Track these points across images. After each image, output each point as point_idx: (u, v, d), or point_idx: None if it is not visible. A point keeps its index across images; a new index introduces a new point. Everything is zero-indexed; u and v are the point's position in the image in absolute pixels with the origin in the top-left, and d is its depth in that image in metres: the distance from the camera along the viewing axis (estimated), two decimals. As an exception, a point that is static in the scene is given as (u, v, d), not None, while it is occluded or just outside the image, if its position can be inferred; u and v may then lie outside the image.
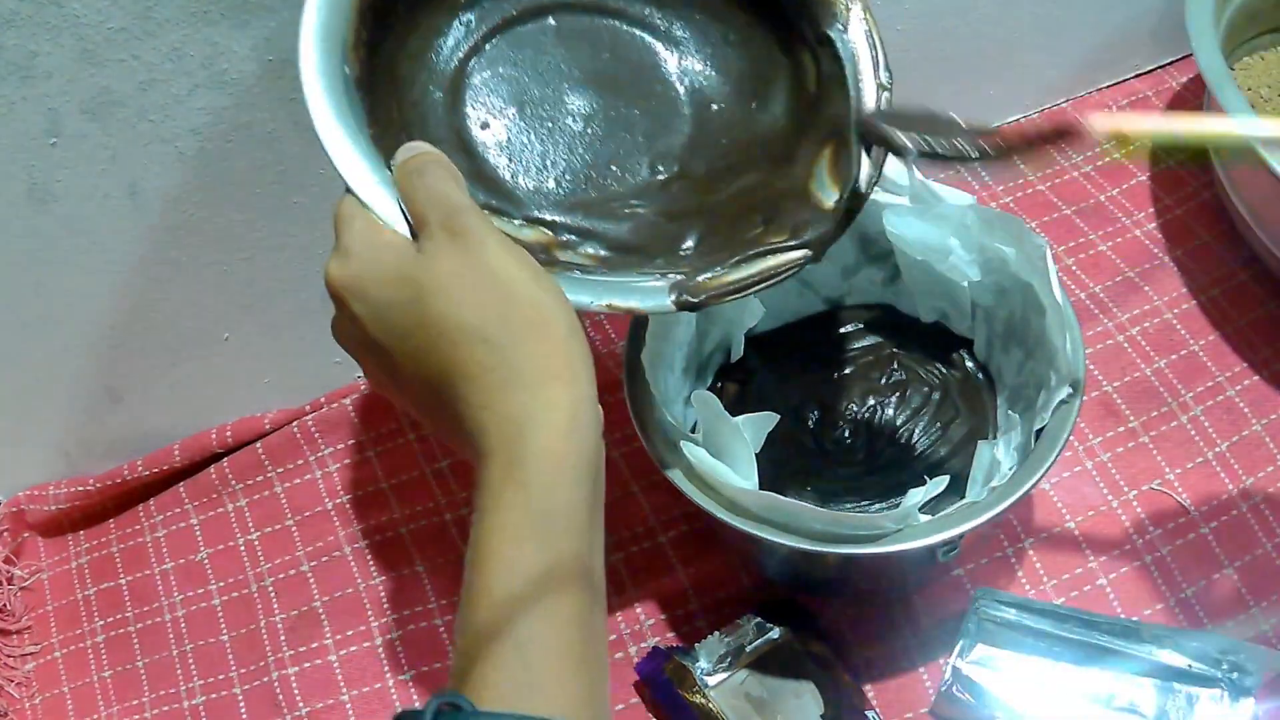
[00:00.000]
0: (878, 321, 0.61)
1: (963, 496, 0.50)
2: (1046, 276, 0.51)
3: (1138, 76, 0.80)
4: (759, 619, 0.56)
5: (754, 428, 0.51)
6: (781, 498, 0.48)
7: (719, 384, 0.60)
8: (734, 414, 0.51)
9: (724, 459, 0.50)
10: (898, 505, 0.48)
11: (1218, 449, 0.63)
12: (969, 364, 0.59)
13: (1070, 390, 0.50)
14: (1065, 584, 0.59)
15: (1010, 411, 0.55)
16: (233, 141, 0.56)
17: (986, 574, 0.60)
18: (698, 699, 0.54)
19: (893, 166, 0.55)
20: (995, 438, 0.55)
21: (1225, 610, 0.58)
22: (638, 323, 0.55)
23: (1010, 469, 0.50)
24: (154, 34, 0.50)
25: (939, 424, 0.57)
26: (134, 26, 0.50)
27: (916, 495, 0.48)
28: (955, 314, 0.59)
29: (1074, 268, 0.70)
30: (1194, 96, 0.78)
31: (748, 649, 0.56)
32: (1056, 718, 0.52)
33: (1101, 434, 0.64)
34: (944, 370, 0.59)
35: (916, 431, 0.57)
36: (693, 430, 0.54)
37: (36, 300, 0.59)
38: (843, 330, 0.61)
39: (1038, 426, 0.51)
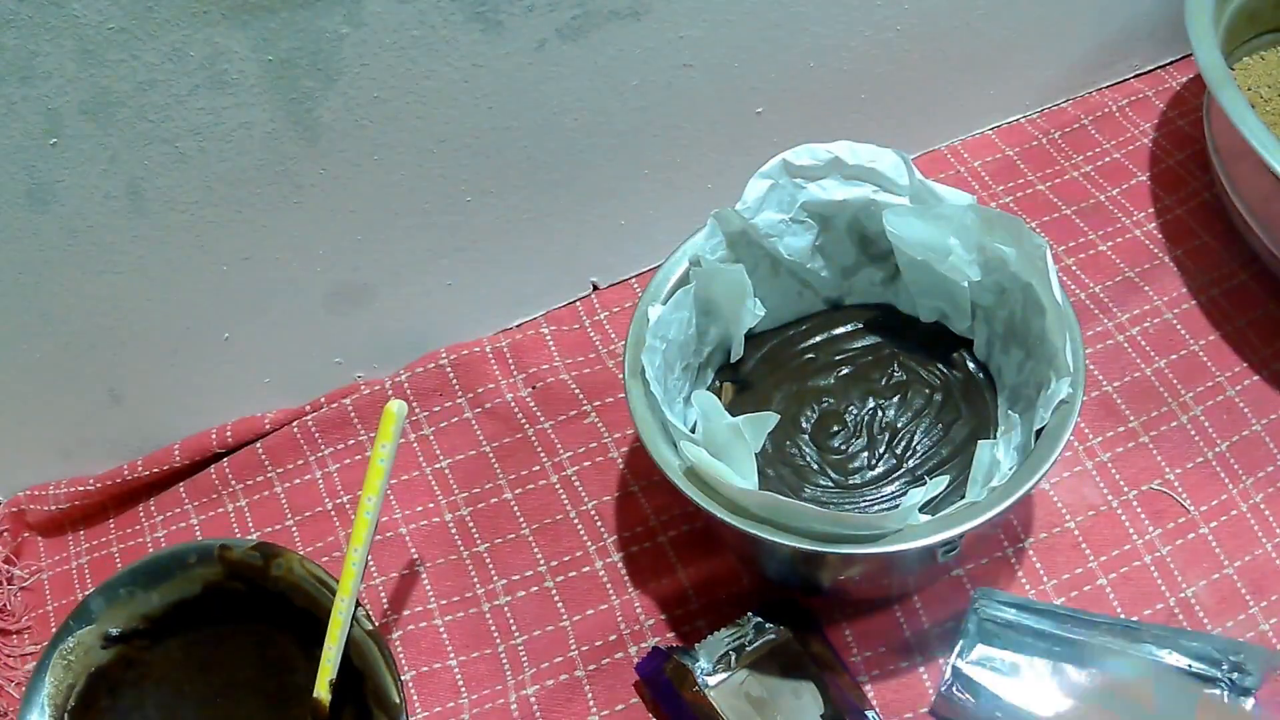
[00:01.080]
0: (877, 321, 0.61)
1: (963, 496, 0.50)
2: (1046, 276, 0.51)
3: (1138, 76, 0.80)
4: (759, 619, 0.56)
5: (754, 428, 0.51)
6: (782, 498, 0.48)
7: (718, 384, 0.60)
8: (733, 414, 0.51)
9: (724, 459, 0.50)
10: (898, 505, 0.48)
11: (1218, 449, 0.63)
12: (970, 364, 0.59)
13: (1070, 390, 0.50)
14: (1065, 584, 0.59)
15: (1010, 411, 0.54)
16: (233, 141, 0.56)
17: (986, 574, 0.60)
18: (698, 699, 0.54)
19: (890, 163, 0.55)
20: (995, 438, 0.55)
21: (1225, 610, 0.58)
22: (639, 322, 0.55)
23: (1010, 469, 0.50)
24: (154, 34, 0.50)
25: (940, 425, 0.57)
26: (134, 26, 0.50)
27: (916, 495, 0.48)
28: (955, 314, 0.59)
29: (1074, 268, 0.70)
30: (1194, 96, 0.78)
31: (748, 649, 0.56)
32: (1056, 718, 0.52)
33: (1101, 434, 0.64)
34: (945, 370, 0.59)
35: (918, 433, 0.57)
36: (692, 430, 0.54)
37: (36, 300, 0.59)
38: (842, 330, 0.61)
39: (1038, 426, 0.51)
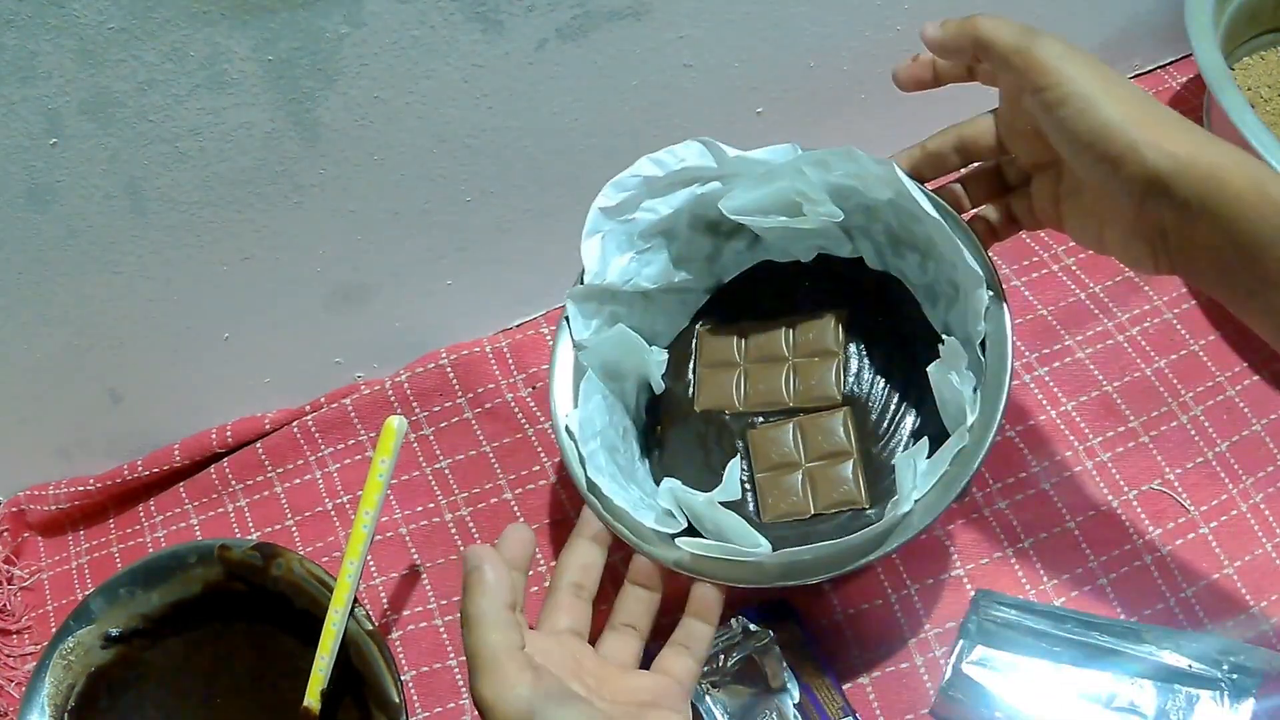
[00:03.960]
0: (760, 282, 0.60)
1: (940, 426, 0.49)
2: (906, 192, 0.50)
3: (1138, 76, 0.80)
4: (748, 621, 0.56)
5: (727, 486, 0.50)
6: (797, 549, 0.47)
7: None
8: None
9: (720, 531, 0.50)
10: (894, 497, 0.48)
11: (1218, 449, 0.63)
12: (870, 276, 0.58)
13: (991, 294, 0.49)
14: (1065, 584, 0.59)
15: (947, 336, 0.52)
16: (233, 141, 0.56)
17: (986, 574, 0.60)
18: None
19: (697, 152, 0.54)
20: (942, 362, 0.52)
21: (1225, 610, 0.58)
22: (567, 442, 0.53)
23: (974, 389, 0.49)
24: (154, 34, 0.50)
25: (877, 362, 0.57)
26: (134, 26, 0.50)
27: (908, 478, 0.47)
28: (833, 243, 0.57)
29: (1074, 268, 0.70)
30: (1194, 96, 0.78)
31: (736, 651, 0.55)
32: (1056, 718, 0.52)
33: (1101, 434, 0.64)
34: (851, 290, 0.58)
35: (862, 385, 0.56)
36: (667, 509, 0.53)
37: (36, 300, 0.59)
38: (732, 323, 0.60)
39: (977, 340, 0.50)
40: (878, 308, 0.58)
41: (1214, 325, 0.67)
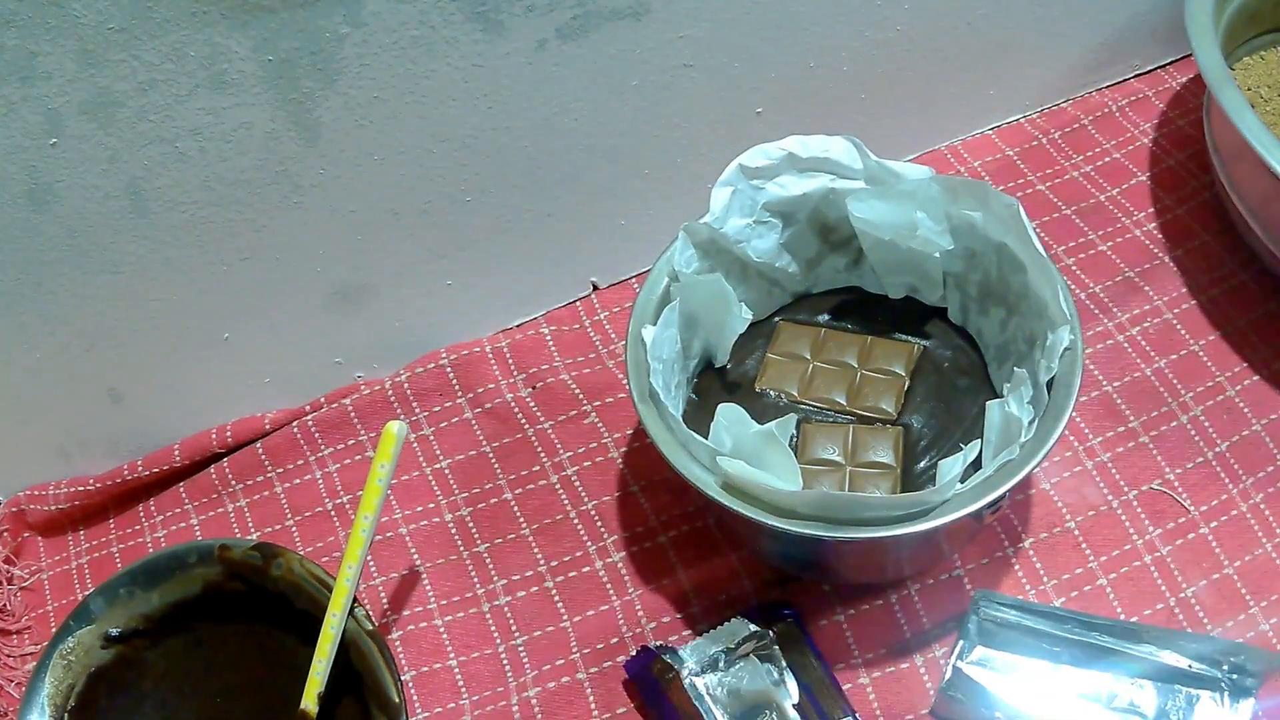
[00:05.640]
0: (845, 306, 0.61)
1: (979, 464, 0.50)
2: (1022, 234, 0.52)
3: (1138, 76, 0.80)
4: (747, 620, 0.56)
5: (782, 429, 0.51)
6: (832, 492, 0.47)
7: (693, 394, 0.60)
8: (699, 420, 0.50)
9: (759, 466, 0.50)
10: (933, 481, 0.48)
11: (1218, 449, 0.63)
12: (948, 331, 0.59)
13: (1072, 337, 0.51)
14: (1065, 584, 0.59)
15: (1016, 368, 0.54)
16: (233, 141, 0.56)
17: (986, 574, 0.60)
18: (683, 701, 0.54)
19: (843, 149, 0.56)
20: (1005, 395, 0.54)
21: (1225, 610, 0.58)
22: (636, 345, 0.54)
23: (1030, 421, 0.51)
24: (154, 34, 0.50)
25: (937, 400, 0.57)
26: (134, 26, 0.50)
27: (955, 465, 0.48)
28: (926, 286, 0.59)
29: (1074, 268, 0.70)
30: (1194, 96, 0.78)
31: (735, 651, 0.55)
32: (1056, 718, 0.52)
33: (1101, 434, 0.64)
34: (924, 342, 0.59)
35: (918, 417, 0.57)
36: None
37: (36, 300, 0.59)
38: (812, 321, 0.61)
39: (1046, 378, 0.51)
40: (949, 358, 0.59)
41: (1214, 325, 0.67)
